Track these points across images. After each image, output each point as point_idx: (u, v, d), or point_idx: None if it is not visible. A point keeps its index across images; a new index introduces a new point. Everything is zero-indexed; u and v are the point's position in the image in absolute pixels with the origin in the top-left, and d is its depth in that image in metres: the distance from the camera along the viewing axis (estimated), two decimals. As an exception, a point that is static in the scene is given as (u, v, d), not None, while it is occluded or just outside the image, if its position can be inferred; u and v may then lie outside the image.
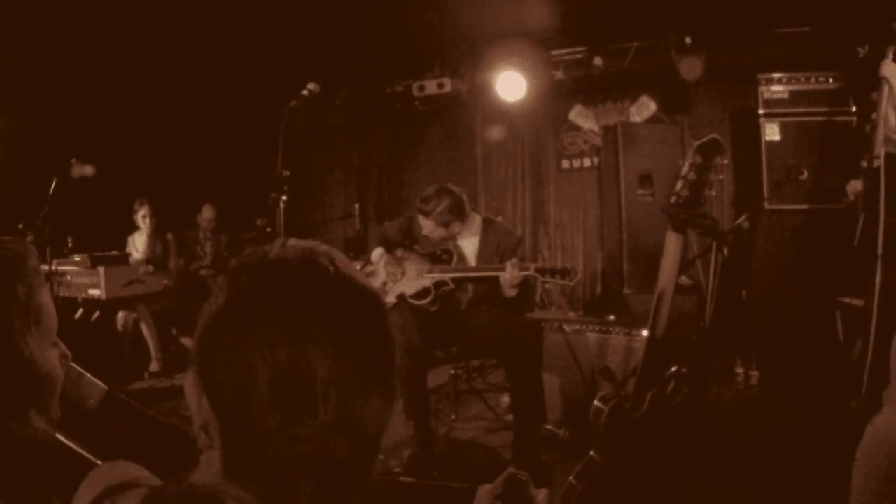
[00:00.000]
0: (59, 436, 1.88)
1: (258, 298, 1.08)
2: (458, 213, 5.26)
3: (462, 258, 5.36)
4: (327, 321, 1.06)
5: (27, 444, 1.58)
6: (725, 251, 4.84)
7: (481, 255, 5.35)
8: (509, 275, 4.85)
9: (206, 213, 8.97)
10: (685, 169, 3.28)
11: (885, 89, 5.13)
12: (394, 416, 1.19)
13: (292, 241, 1.17)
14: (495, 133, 10.10)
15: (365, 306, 1.13)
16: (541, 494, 1.71)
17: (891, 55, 5.17)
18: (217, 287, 1.14)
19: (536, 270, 4.89)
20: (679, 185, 3.29)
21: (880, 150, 5.03)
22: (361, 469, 1.12)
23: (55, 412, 1.73)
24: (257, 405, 1.02)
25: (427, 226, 5.28)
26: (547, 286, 8.62)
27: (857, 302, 5.30)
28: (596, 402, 3.40)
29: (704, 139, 3.28)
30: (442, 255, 5.37)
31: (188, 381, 1.12)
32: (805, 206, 6.85)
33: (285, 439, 1.03)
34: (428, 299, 5.20)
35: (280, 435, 1.03)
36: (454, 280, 5.24)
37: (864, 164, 5.33)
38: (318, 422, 1.03)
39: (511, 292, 4.98)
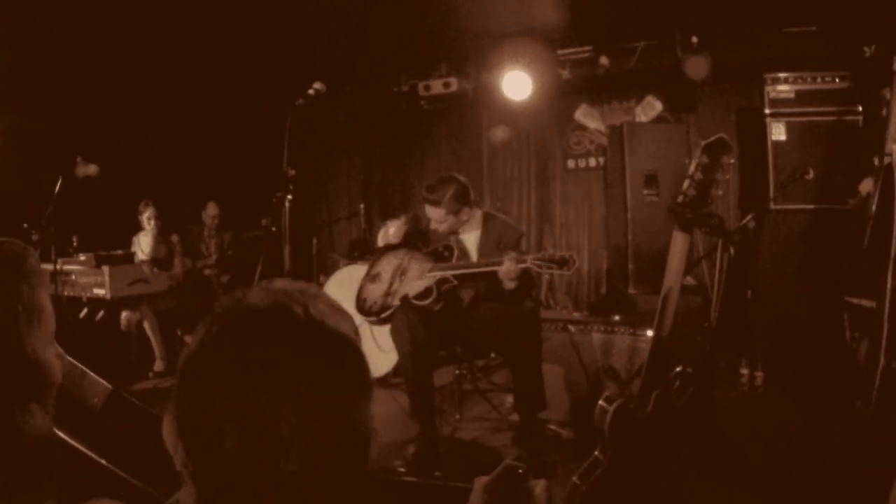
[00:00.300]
0: (59, 432, 1.89)
1: (227, 346, 1.08)
2: (464, 199, 5.27)
3: (464, 253, 5.35)
4: (294, 369, 1.06)
5: (29, 438, 1.59)
6: (732, 251, 4.82)
7: (482, 249, 5.34)
8: (507, 267, 4.84)
9: (211, 210, 8.98)
10: (692, 168, 3.26)
11: None
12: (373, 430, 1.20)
13: (273, 285, 1.18)
14: (501, 132, 10.10)
15: (334, 351, 1.12)
16: (538, 486, 1.69)
17: None
18: (196, 331, 1.14)
19: (534, 262, 4.87)
20: (686, 184, 3.27)
21: (891, 148, 4.99)
22: None
23: (51, 409, 1.75)
24: (228, 452, 1.03)
25: (437, 215, 5.26)
26: (546, 277, 8.61)
27: (866, 303, 5.28)
28: (601, 402, 3.38)
29: (711, 139, 3.27)
30: (443, 251, 5.36)
31: (166, 422, 1.12)
32: (811, 206, 6.83)
33: (256, 487, 1.04)
34: (431, 299, 5.18)
35: (250, 482, 1.04)
36: (456, 276, 5.22)
37: (876, 161, 5.30)
38: (287, 469, 1.03)
39: (510, 285, 4.96)
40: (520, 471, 1.70)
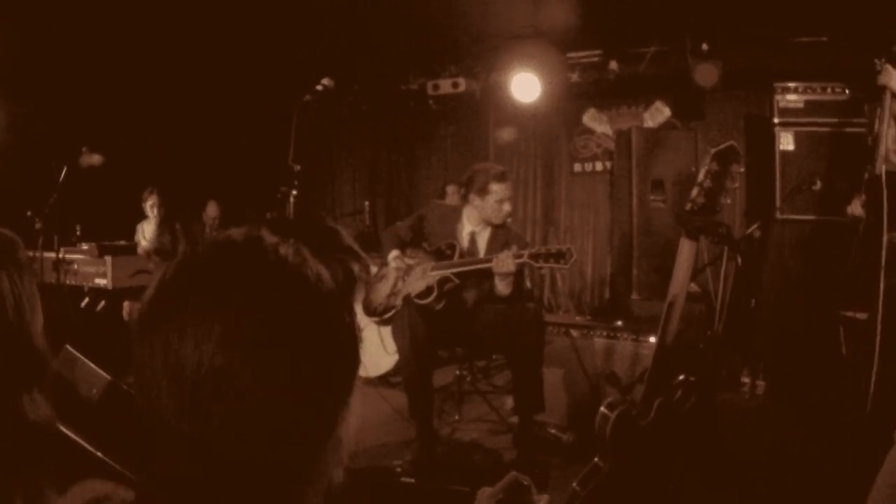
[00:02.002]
0: (61, 427, 1.88)
1: (175, 283, 0.95)
2: None
3: (476, 253, 5.35)
4: (237, 317, 0.90)
5: (33, 427, 1.60)
6: (739, 260, 4.80)
7: (489, 249, 5.34)
8: (503, 259, 4.83)
9: (211, 211, 8.97)
10: (701, 176, 3.25)
11: (887, 99, 5.06)
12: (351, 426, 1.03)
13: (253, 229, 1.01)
14: (508, 134, 10.09)
15: (291, 297, 0.93)
16: (542, 500, 1.67)
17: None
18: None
19: (530, 256, 4.87)
20: (695, 191, 3.26)
21: (881, 168, 4.96)
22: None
23: (49, 393, 1.75)
24: (157, 401, 0.90)
25: (506, 190, 5.31)
26: (547, 277, 8.60)
27: (860, 315, 5.26)
28: (602, 409, 3.36)
29: (722, 146, 3.25)
30: (446, 249, 5.36)
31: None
32: (817, 217, 6.81)
33: (181, 445, 0.89)
34: (432, 297, 5.17)
35: (177, 440, 0.89)
36: (457, 275, 5.21)
37: (867, 174, 5.29)
38: (199, 425, 0.88)
39: (504, 289, 4.97)
40: (524, 483, 1.68)
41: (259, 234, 0.98)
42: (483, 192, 5.25)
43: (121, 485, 1.09)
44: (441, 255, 5.34)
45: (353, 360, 1.01)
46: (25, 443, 1.57)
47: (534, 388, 5.07)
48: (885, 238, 4.65)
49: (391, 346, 5.48)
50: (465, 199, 5.39)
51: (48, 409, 1.66)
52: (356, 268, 1.06)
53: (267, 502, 0.94)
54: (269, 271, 0.95)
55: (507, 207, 5.31)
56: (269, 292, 0.93)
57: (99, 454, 2.26)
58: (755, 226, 5.95)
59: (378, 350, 6.01)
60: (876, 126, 5.26)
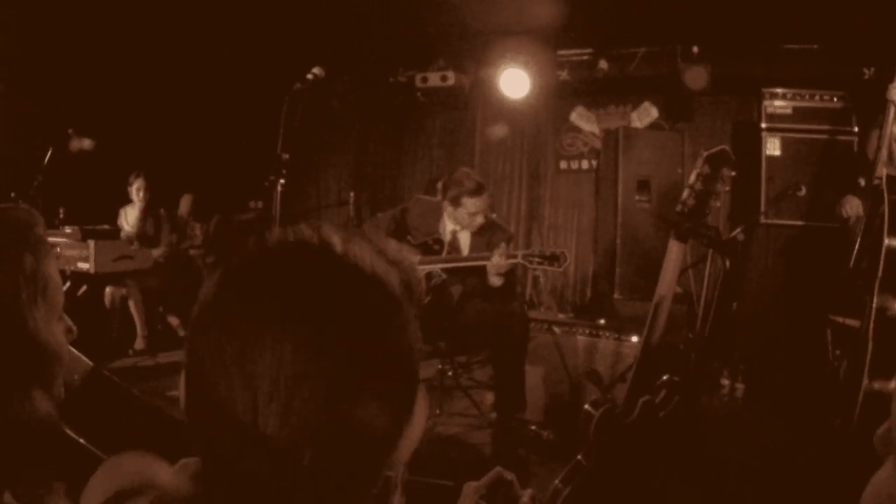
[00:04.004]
0: (66, 430, 1.82)
1: (239, 288, 0.94)
2: None
3: (457, 248, 5.35)
4: (301, 309, 0.89)
5: (29, 427, 1.53)
6: (727, 263, 4.82)
7: (474, 246, 5.36)
8: (497, 260, 4.84)
9: (184, 207, 8.90)
10: (692, 178, 3.25)
11: (892, 111, 5.09)
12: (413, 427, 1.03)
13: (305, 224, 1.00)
14: (495, 130, 10.08)
15: (359, 296, 0.94)
16: (526, 495, 1.69)
17: None
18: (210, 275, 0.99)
19: (524, 257, 4.89)
20: (685, 194, 3.26)
21: (881, 172, 4.99)
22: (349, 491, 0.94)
23: (59, 392, 1.66)
24: (218, 412, 0.89)
25: (482, 204, 5.31)
26: (536, 273, 8.61)
27: (850, 321, 5.29)
28: (586, 407, 3.37)
29: (714, 150, 3.26)
30: (433, 244, 5.37)
31: (181, 382, 0.97)
32: (801, 223, 6.85)
33: (240, 453, 0.88)
34: (418, 291, 5.17)
35: (237, 447, 0.88)
36: (445, 270, 5.22)
37: (863, 182, 5.31)
38: (269, 432, 0.87)
39: (497, 282, 4.97)
40: (509, 479, 1.70)
41: (330, 237, 0.98)
42: (455, 203, 5.27)
43: (161, 462, 1.05)
44: (428, 249, 5.34)
45: (419, 363, 1.02)
46: (18, 446, 1.50)
47: (515, 388, 5.09)
48: (885, 243, 4.67)
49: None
50: None
51: (48, 409, 1.59)
52: (410, 273, 1.07)
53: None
54: (348, 277, 0.95)
55: (479, 220, 5.32)
56: (350, 298, 0.93)
57: (81, 441, 2.23)
58: (739, 229, 5.97)
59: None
60: (874, 132, 5.30)
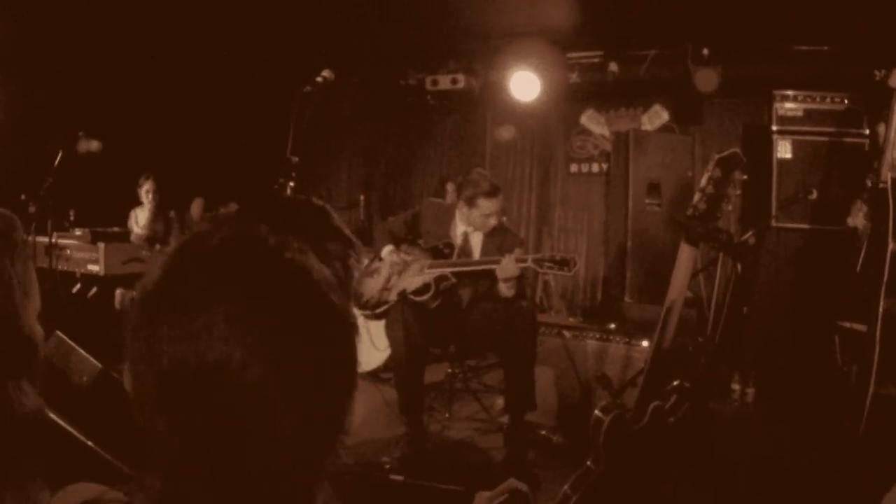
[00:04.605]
0: (51, 414, 1.85)
1: (186, 278, 0.92)
2: None
3: (468, 251, 5.35)
4: (252, 305, 0.89)
5: (21, 416, 1.56)
6: (739, 267, 4.80)
7: (485, 250, 5.35)
8: (507, 263, 4.84)
9: (195, 210, 8.90)
10: (704, 182, 3.24)
11: None
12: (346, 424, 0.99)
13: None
14: (505, 132, 10.08)
15: (300, 294, 0.93)
16: None
17: None
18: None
19: (534, 261, 4.88)
20: (697, 197, 3.25)
21: (887, 175, 4.96)
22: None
23: (39, 382, 1.71)
24: (148, 404, 0.88)
25: (496, 206, 5.28)
26: (546, 278, 8.59)
27: (858, 327, 5.26)
28: (597, 412, 3.35)
29: (725, 153, 3.25)
30: (444, 248, 5.36)
31: (125, 375, 0.94)
32: (812, 226, 6.80)
33: (172, 444, 0.87)
34: (428, 295, 5.17)
35: (168, 439, 0.88)
36: (455, 274, 5.21)
37: (869, 183, 5.27)
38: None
39: (507, 292, 4.98)
40: (522, 489, 1.68)
41: (264, 231, 0.97)
42: (471, 203, 5.25)
43: (111, 488, 1.06)
44: (438, 253, 5.34)
45: (355, 351, 1.01)
46: (13, 436, 1.53)
47: (525, 388, 5.07)
48: (889, 247, 4.64)
49: (380, 341, 5.47)
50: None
51: (37, 400, 1.62)
52: (350, 257, 1.07)
53: (280, 500, 0.92)
54: (283, 270, 0.94)
55: (492, 221, 5.30)
56: (283, 290, 0.92)
57: (90, 444, 2.23)
58: (750, 233, 5.94)
59: (366, 346, 5.99)
60: (882, 133, 5.26)
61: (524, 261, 4.88)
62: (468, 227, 5.39)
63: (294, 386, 0.89)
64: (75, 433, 2.22)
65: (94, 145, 6.86)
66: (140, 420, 0.91)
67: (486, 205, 5.20)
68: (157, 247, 7.78)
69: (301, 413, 0.90)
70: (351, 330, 0.99)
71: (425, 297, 5.16)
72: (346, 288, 1.02)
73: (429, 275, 5.19)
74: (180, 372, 0.86)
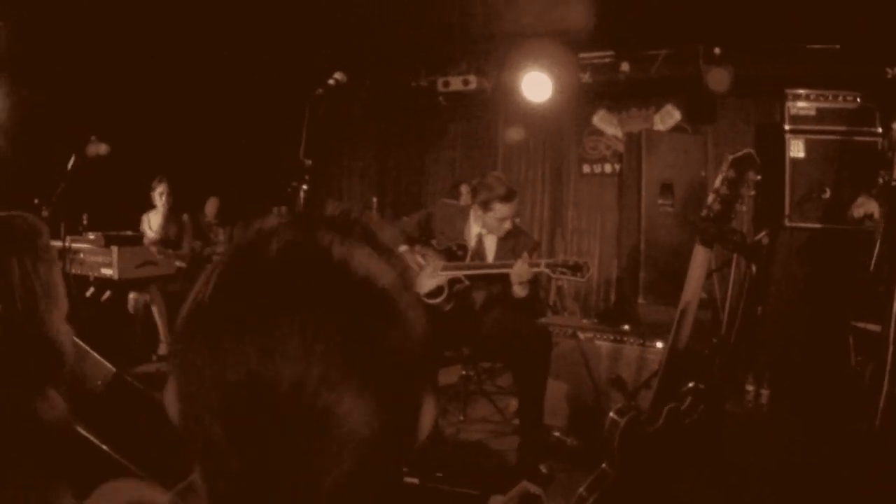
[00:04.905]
0: (78, 428, 1.84)
1: (227, 291, 0.87)
2: None
3: (481, 253, 5.34)
4: (293, 312, 0.83)
5: (48, 426, 1.55)
6: (753, 267, 4.79)
7: (499, 252, 5.33)
8: (520, 269, 4.82)
9: (210, 209, 8.92)
10: (718, 182, 3.23)
11: None
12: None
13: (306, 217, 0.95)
14: (516, 134, 10.07)
15: (356, 301, 0.87)
16: None
17: None
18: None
19: (547, 266, 4.88)
20: (711, 198, 3.24)
21: None
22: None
23: (63, 388, 1.70)
24: (205, 415, 0.84)
25: (509, 210, 5.23)
26: (560, 283, 8.57)
27: (872, 327, 5.23)
28: (612, 415, 3.34)
29: (739, 153, 3.24)
30: (457, 250, 5.35)
31: (168, 388, 0.92)
32: (826, 226, 6.77)
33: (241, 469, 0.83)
34: (442, 297, 5.17)
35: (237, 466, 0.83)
36: (468, 277, 5.21)
37: (881, 180, 5.24)
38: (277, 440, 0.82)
39: (521, 292, 4.95)
40: (535, 493, 1.67)
41: (327, 239, 0.91)
42: (486, 207, 5.23)
43: (156, 487, 1.04)
44: (451, 254, 5.33)
45: (431, 353, 0.97)
46: (40, 444, 1.51)
47: (534, 405, 5.06)
48: None
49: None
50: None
51: (63, 408, 1.61)
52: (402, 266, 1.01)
53: None
54: (351, 280, 0.88)
55: (507, 225, 5.27)
56: (355, 301, 0.87)
57: (105, 448, 2.23)
58: (763, 233, 5.92)
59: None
60: (894, 132, 5.24)
61: (537, 265, 4.87)
62: (482, 230, 5.38)
63: (375, 401, 0.85)
64: (91, 438, 2.22)
65: (103, 149, 6.87)
66: (189, 429, 0.87)
67: (501, 209, 5.19)
68: (170, 251, 7.80)
69: (380, 427, 0.86)
70: (424, 334, 0.94)
71: (439, 300, 5.16)
72: (411, 291, 0.95)
73: (442, 277, 5.19)
74: (249, 387, 0.82)
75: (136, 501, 1.01)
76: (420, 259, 5.35)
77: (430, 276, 5.24)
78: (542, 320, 6.39)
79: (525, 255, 4.93)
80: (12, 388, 1.53)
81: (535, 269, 4.86)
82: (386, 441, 0.87)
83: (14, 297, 1.57)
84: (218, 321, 0.86)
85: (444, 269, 5.21)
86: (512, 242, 5.30)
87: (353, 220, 0.97)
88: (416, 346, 0.91)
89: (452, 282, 5.18)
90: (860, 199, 5.81)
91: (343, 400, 0.82)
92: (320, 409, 0.82)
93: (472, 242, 5.39)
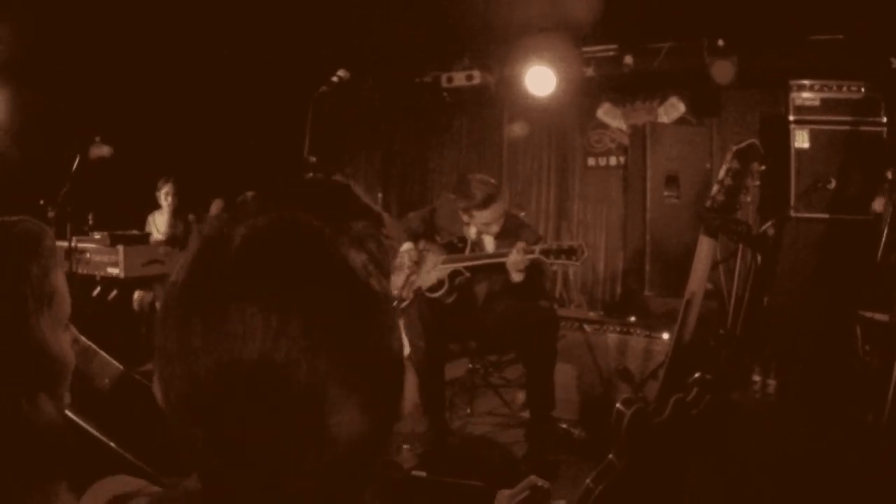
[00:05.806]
0: (69, 413, 1.84)
1: (198, 276, 0.89)
2: None
3: (482, 247, 5.35)
4: (303, 300, 0.84)
5: (38, 430, 1.55)
6: (758, 258, 4.78)
7: (499, 243, 5.33)
8: (514, 258, 4.83)
9: (215, 211, 8.94)
10: (722, 173, 3.23)
11: None
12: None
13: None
14: (522, 127, 10.06)
15: (322, 278, 0.87)
16: None
17: None
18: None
19: (542, 252, 4.87)
20: (715, 189, 3.24)
21: None
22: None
23: (65, 398, 1.69)
24: (182, 412, 0.85)
25: (490, 215, 5.23)
26: (559, 272, 8.57)
27: (880, 316, 5.23)
28: (619, 406, 3.34)
29: (743, 144, 3.23)
30: (457, 242, 5.37)
31: (154, 379, 0.91)
32: (831, 216, 6.76)
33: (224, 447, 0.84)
34: (443, 290, 5.18)
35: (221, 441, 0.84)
36: (468, 269, 5.21)
37: (889, 175, 5.24)
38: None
39: (517, 277, 4.94)
40: (543, 486, 1.68)
41: (294, 220, 0.92)
42: (468, 215, 5.25)
43: (146, 482, 1.05)
44: (452, 248, 5.35)
45: (400, 334, 0.96)
46: (32, 449, 1.52)
47: (545, 388, 5.07)
48: None
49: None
50: None
51: (55, 411, 1.61)
52: (382, 234, 1.00)
53: (331, 499, 0.88)
54: (317, 260, 0.89)
55: (494, 228, 5.27)
56: (321, 281, 0.87)
57: (114, 446, 2.24)
58: (769, 224, 5.92)
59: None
60: None
61: (531, 252, 4.87)
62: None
63: (345, 378, 0.84)
64: (99, 436, 2.22)
65: (106, 151, 6.90)
66: (174, 426, 0.88)
67: (481, 215, 5.19)
68: (177, 249, 7.80)
69: (356, 405, 0.85)
70: (394, 314, 0.94)
71: (440, 293, 5.17)
72: (384, 269, 0.95)
73: (442, 270, 5.20)
74: (218, 376, 0.82)
75: (122, 494, 1.02)
76: (421, 255, 5.36)
77: (432, 270, 5.25)
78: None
79: (520, 243, 4.92)
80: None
81: (530, 256, 4.86)
82: (363, 422, 0.87)
83: (3, 304, 1.57)
84: (185, 307, 0.87)
85: (445, 262, 5.22)
86: (513, 234, 5.30)
87: (326, 190, 0.97)
88: (384, 328, 0.91)
89: (453, 275, 5.19)
90: (880, 195, 5.81)
91: (313, 378, 0.82)
92: (290, 387, 0.81)
93: (472, 235, 5.39)
